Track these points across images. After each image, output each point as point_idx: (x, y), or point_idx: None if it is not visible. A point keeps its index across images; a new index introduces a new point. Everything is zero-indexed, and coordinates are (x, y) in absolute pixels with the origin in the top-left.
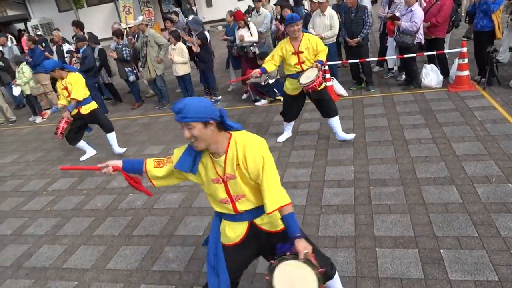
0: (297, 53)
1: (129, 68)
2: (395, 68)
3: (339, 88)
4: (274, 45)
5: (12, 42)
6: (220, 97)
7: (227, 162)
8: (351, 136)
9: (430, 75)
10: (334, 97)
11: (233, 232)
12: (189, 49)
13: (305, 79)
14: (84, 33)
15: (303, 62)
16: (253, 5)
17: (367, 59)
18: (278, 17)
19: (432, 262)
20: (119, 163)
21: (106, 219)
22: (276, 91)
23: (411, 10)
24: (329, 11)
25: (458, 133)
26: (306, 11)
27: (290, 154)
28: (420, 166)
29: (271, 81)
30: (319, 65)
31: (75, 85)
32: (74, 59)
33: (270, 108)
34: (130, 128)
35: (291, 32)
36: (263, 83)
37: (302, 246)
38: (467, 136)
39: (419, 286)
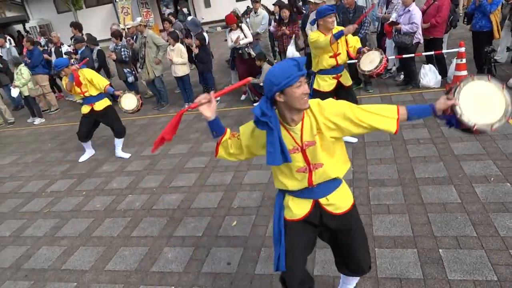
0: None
1: (128, 69)
2: (393, 68)
3: None
4: (272, 46)
5: (10, 43)
6: (219, 98)
7: (304, 129)
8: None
9: (429, 75)
10: None
11: (298, 207)
12: (188, 50)
13: (368, 65)
14: (82, 35)
15: (339, 55)
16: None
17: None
18: (277, 17)
19: (431, 262)
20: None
21: (105, 220)
22: None
23: (409, 11)
24: None
25: (457, 133)
26: (304, 11)
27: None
28: (418, 166)
29: None
30: (368, 49)
31: (94, 77)
32: (72, 60)
33: None
34: (129, 129)
35: (329, 23)
36: (261, 84)
37: (443, 99)
38: (466, 136)
39: (418, 286)
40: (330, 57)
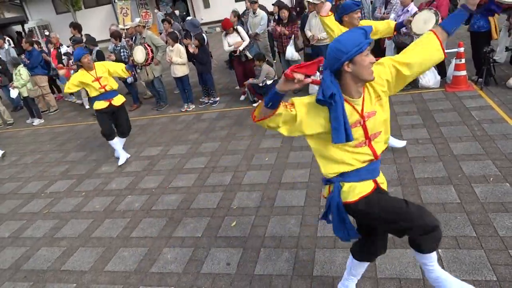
0: None
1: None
2: None
3: None
4: (272, 47)
5: (9, 44)
6: (218, 98)
7: (365, 100)
8: (402, 143)
9: (428, 75)
10: None
11: (361, 187)
12: (188, 50)
13: (424, 26)
14: (81, 35)
15: None
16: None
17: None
18: (276, 17)
19: None
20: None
21: (105, 221)
22: None
23: (408, 11)
24: None
25: (456, 133)
26: (304, 12)
27: (289, 155)
28: (418, 166)
29: (269, 82)
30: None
31: (109, 65)
32: (71, 61)
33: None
34: None
35: (355, 20)
36: (261, 84)
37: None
38: (465, 136)
39: (418, 286)
40: None
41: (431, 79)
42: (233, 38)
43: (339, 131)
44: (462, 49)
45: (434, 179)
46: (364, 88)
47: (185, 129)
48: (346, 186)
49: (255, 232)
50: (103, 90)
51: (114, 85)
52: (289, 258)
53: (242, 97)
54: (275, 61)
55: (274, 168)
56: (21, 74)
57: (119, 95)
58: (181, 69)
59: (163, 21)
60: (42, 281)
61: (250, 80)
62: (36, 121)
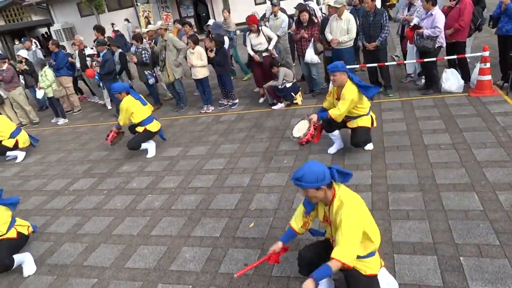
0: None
1: (148, 71)
2: (415, 72)
3: None
4: (292, 49)
5: (36, 46)
6: (237, 101)
7: (331, 211)
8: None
9: (451, 80)
10: None
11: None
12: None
13: (297, 132)
14: (104, 37)
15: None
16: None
17: (386, 63)
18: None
19: (451, 270)
20: (280, 244)
21: (125, 219)
22: (293, 95)
23: (431, 14)
24: (346, 15)
25: (479, 139)
26: (324, 15)
27: (307, 157)
28: (439, 172)
29: (288, 84)
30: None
31: (120, 108)
32: (94, 62)
33: (286, 111)
34: None
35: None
36: (280, 87)
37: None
38: (489, 142)
39: None
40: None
41: (454, 83)
42: (255, 40)
43: (307, 205)
44: (487, 53)
45: (457, 186)
46: (331, 205)
47: (204, 131)
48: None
49: (273, 234)
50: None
51: (121, 123)
52: None
53: (261, 100)
54: (294, 64)
55: (292, 171)
56: (47, 75)
57: (153, 122)
58: (201, 71)
59: (183, 24)
60: (65, 275)
61: (270, 83)
62: (61, 121)
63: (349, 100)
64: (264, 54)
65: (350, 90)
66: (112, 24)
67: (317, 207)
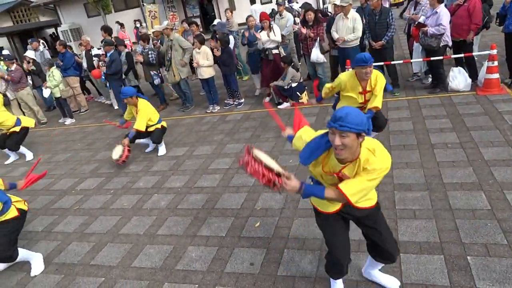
0: (364, 92)
1: (154, 72)
2: (421, 71)
3: None
4: (298, 49)
5: (44, 46)
6: (242, 100)
7: (348, 167)
8: None
9: (458, 78)
10: None
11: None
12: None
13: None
14: (111, 38)
15: (368, 100)
16: (276, 9)
17: (392, 62)
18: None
19: (458, 269)
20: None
21: (132, 218)
22: (299, 94)
23: (436, 12)
24: (352, 14)
25: (487, 138)
26: (330, 14)
27: None
28: (446, 171)
29: (294, 84)
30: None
31: (139, 113)
32: (101, 62)
33: (292, 111)
34: None
35: (362, 74)
36: (286, 87)
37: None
38: (497, 140)
39: None
40: (361, 103)
41: (461, 82)
42: (265, 36)
43: (305, 151)
44: (495, 51)
45: (464, 185)
46: (356, 160)
47: (210, 130)
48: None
49: (279, 233)
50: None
51: (141, 128)
52: (313, 260)
53: (267, 99)
54: (300, 63)
55: (298, 170)
56: (54, 75)
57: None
58: (207, 71)
59: (190, 23)
60: (72, 274)
61: (276, 82)
62: (68, 121)
63: (382, 90)
64: (274, 51)
65: (382, 80)
66: (121, 24)
67: (325, 158)
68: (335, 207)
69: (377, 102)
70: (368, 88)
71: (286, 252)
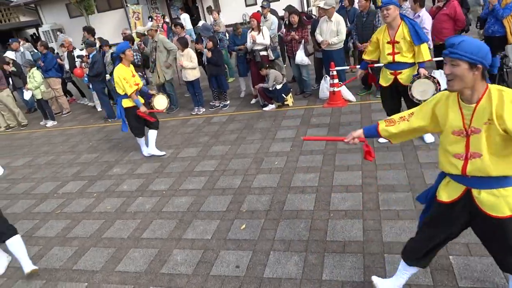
0: (392, 42)
1: (139, 73)
2: None
3: (347, 94)
4: (282, 51)
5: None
6: (228, 102)
7: (476, 112)
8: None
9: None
10: (342, 102)
11: (449, 190)
12: (198, 54)
13: (419, 94)
14: (94, 39)
15: (397, 53)
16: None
17: (377, 64)
18: (286, 23)
19: (441, 269)
20: (360, 132)
21: (116, 222)
22: (284, 96)
23: (419, 16)
24: (336, 17)
25: None
26: (314, 16)
27: (298, 159)
28: (429, 172)
29: (278, 86)
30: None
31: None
32: (83, 64)
33: (277, 113)
34: None
35: (383, 18)
36: (271, 88)
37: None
38: None
39: None
40: (388, 54)
41: (443, 84)
42: (255, 36)
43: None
44: None
45: None
46: (483, 98)
47: (195, 132)
48: (445, 180)
49: (265, 235)
50: (136, 87)
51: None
52: (298, 262)
53: (253, 101)
54: (285, 65)
55: (283, 172)
56: (35, 76)
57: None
58: (192, 73)
59: (175, 25)
60: (54, 280)
61: (261, 84)
62: (50, 123)
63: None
64: (262, 53)
65: (408, 30)
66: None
67: (444, 110)
68: (453, 195)
69: (425, 55)
70: (397, 39)
71: (272, 254)
